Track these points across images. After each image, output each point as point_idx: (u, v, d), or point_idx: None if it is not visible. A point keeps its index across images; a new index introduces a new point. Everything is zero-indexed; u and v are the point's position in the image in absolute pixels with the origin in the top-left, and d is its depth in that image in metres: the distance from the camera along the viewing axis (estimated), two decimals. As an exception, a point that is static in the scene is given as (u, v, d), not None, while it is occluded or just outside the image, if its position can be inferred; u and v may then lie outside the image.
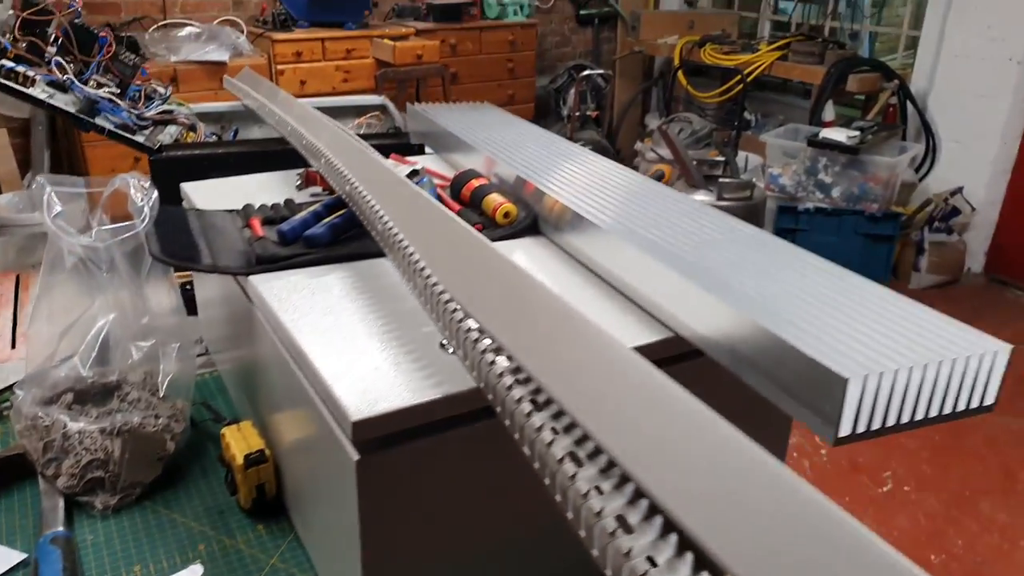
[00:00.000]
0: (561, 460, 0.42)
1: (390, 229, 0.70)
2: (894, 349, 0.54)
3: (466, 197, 0.91)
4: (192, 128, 1.30)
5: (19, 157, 2.89)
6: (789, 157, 3.42)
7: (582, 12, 4.72)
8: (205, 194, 0.99)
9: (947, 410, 0.55)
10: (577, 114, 4.27)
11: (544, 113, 4.48)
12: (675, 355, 0.68)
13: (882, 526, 2.09)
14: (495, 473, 0.61)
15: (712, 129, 3.81)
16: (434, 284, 0.60)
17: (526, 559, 0.69)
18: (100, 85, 1.24)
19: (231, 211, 0.89)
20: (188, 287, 1.14)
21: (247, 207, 0.89)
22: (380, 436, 0.56)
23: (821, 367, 0.51)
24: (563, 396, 0.44)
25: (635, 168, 3.87)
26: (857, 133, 3.24)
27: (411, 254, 0.65)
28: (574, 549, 0.40)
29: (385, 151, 1.20)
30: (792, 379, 0.54)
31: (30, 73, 1.20)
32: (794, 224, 3.16)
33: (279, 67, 3.37)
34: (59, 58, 1.21)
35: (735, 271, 0.67)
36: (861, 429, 0.52)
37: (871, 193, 3.26)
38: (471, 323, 0.55)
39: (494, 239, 0.85)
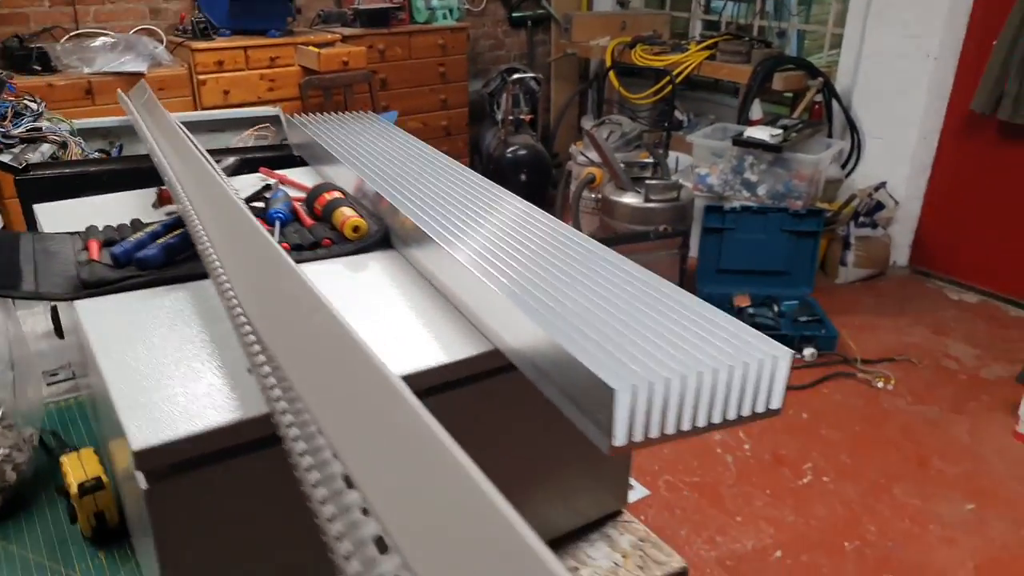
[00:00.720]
0: (315, 486, 0.42)
1: (208, 250, 0.69)
2: (675, 358, 0.55)
3: (318, 211, 0.90)
4: (64, 146, 1.27)
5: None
6: (716, 157, 3.47)
7: (514, 15, 4.73)
8: (58, 216, 0.97)
9: (731, 416, 0.56)
10: (511, 118, 4.28)
11: (479, 117, 4.48)
12: (496, 368, 0.68)
13: (800, 516, 2.14)
14: (289, 497, 0.61)
15: (643, 131, 3.84)
16: (236, 307, 0.59)
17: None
18: (-37, 104, 1.20)
19: (73, 233, 0.87)
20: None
21: (90, 229, 0.88)
22: (170, 464, 0.56)
23: (595, 378, 0.52)
24: (326, 427, 0.44)
25: (568, 172, 3.90)
26: (780, 131, 3.30)
27: (221, 276, 0.64)
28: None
29: (264, 163, 1.19)
30: (576, 391, 0.55)
31: None
32: (720, 223, 3.21)
33: (201, 77, 3.32)
34: (-83, 77, 1.17)
35: (553, 282, 0.68)
36: (638, 438, 0.52)
37: (796, 190, 3.32)
38: (258, 348, 0.54)
39: (343, 253, 0.85)
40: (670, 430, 0.53)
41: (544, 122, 4.69)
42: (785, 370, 0.57)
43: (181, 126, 1.06)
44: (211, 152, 1.18)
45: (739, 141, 3.29)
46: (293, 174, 1.13)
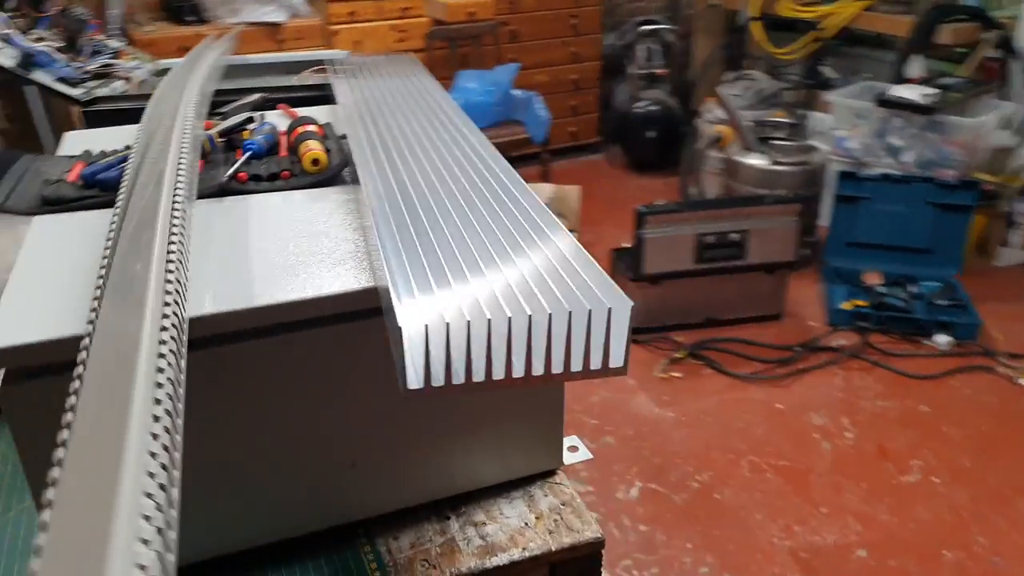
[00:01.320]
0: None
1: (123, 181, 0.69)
2: (495, 302, 0.48)
3: (292, 143, 0.89)
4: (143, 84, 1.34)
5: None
6: (859, 118, 3.16)
7: (659, -36, 4.50)
8: (82, 142, 1.02)
9: (556, 369, 0.48)
10: (643, 72, 4.11)
11: (613, 72, 4.34)
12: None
13: (896, 516, 1.94)
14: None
15: (783, 88, 3.57)
16: (107, 243, 0.60)
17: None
18: (44, 40, 1.29)
19: (72, 157, 0.91)
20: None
21: (85, 152, 0.91)
22: (27, 367, 0.57)
23: (393, 313, 0.47)
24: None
25: (697, 130, 3.69)
26: (936, 92, 2.94)
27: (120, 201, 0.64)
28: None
29: (290, 102, 1.20)
30: (390, 326, 0.50)
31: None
32: (856, 191, 2.93)
33: (333, 27, 3.42)
34: (2, 13, 1.27)
35: (434, 223, 0.62)
36: (438, 383, 0.47)
37: (949, 158, 2.96)
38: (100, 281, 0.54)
39: (300, 186, 0.83)
40: (478, 377, 0.47)
41: (684, 77, 4.46)
42: (624, 324, 0.48)
43: (202, 69, 1.07)
44: (242, 90, 1.21)
45: (885, 101, 2.97)
46: (312, 111, 1.12)
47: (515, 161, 3.34)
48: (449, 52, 3.59)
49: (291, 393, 0.65)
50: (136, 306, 0.43)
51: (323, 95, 1.26)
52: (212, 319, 0.58)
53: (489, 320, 0.45)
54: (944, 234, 2.89)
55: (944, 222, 2.88)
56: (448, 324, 0.45)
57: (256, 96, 1.12)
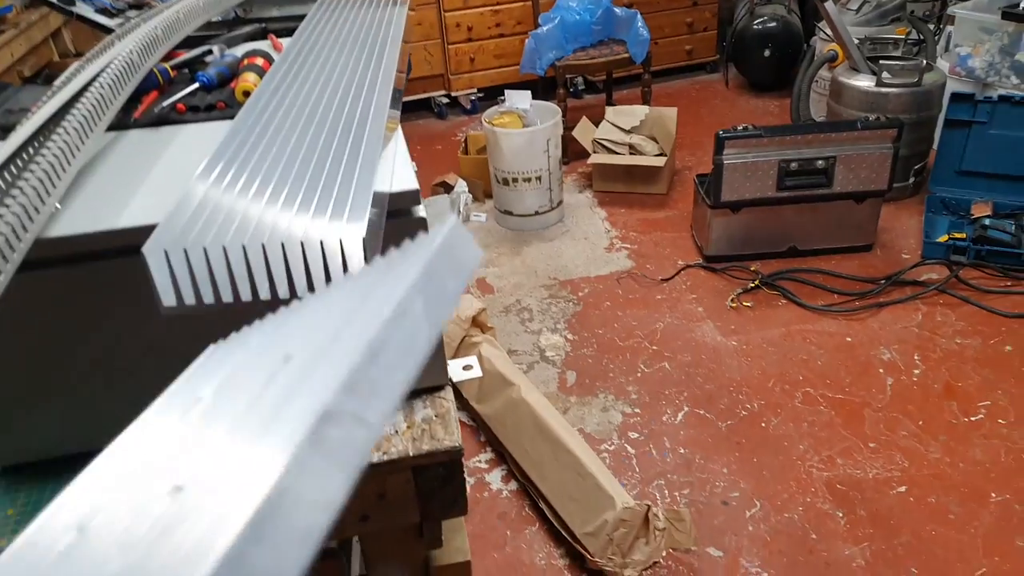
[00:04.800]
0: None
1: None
2: (241, 228, 0.55)
3: (238, 75, 0.99)
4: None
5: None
6: (984, 33, 2.88)
7: None
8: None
9: (282, 293, 0.55)
10: (759, -15, 3.91)
11: (732, -13, 4.14)
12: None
13: (948, 455, 1.91)
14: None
15: (905, 1, 3.30)
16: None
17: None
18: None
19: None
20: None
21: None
22: None
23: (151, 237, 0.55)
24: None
25: (812, 50, 3.49)
26: (1075, 0, 2.64)
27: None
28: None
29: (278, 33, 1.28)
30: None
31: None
32: (970, 115, 2.71)
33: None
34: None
35: (265, 153, 0.70)
36: (189, 301, 0.55)
37: (1086, 76, 2.67)
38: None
39: (230, 117, 0.92)
40: (226, 299, 0.55)
41: (808, -10, 4.19)
42: (356, 253, 0.54)
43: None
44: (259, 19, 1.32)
45: (1011, 13, 2.70)
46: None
47: (616, 82, 3.43)
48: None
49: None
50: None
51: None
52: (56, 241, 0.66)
53: (244, 246, 0.55)
54: (1070, 162, 2.64)
55: (1071, 148, 2.63)
56: (186, 251, 0.54)
57: (254, 27, 1.24)
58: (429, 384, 0.79)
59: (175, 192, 0.62)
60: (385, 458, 0.72)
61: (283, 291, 0.55)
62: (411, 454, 0.72)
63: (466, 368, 0.83)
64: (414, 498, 0.79)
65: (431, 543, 0.91)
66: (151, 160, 0.82)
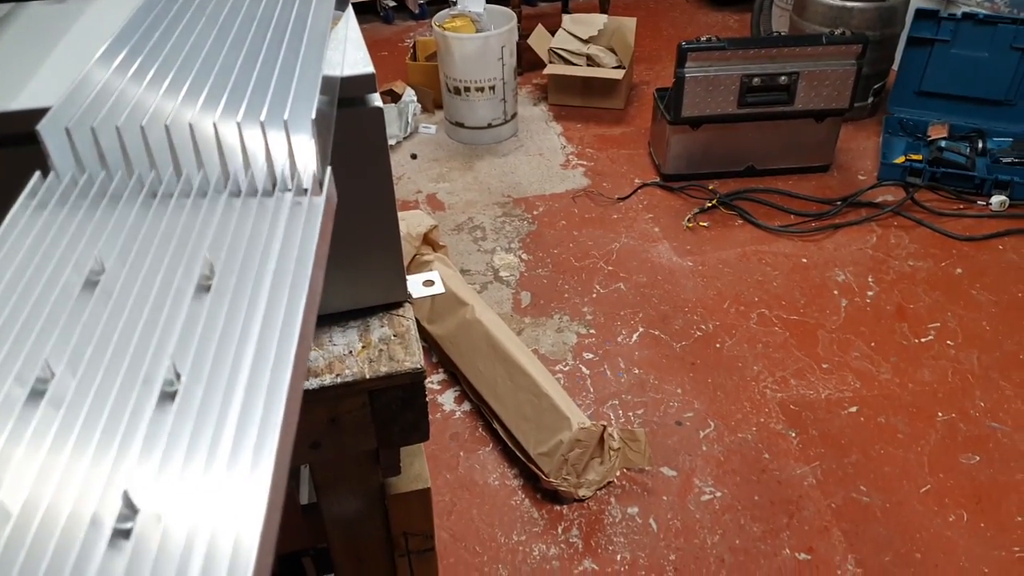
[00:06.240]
0: None
1: None
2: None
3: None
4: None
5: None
6: (952, -54, 2.81)
7: None
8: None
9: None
10: None
11: None
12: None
13: (898, 376, 1.92)
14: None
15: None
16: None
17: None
18: None
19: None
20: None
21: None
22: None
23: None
24: None
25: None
26: (1046, -85, 2.57)
27: None
28: None
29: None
30: None
31: None
32: (932, 33, 2.66)
33: None
34: None
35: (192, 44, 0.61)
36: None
37: (1050, -4, 2.63)
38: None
39: None
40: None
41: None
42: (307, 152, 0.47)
43: None
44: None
45: (981, -73, 2.62)
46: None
47: None
48: None
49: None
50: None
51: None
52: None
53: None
54: (1028, 84, 2.63)
55: (1030, 70, 2.61)
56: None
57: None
58: (386, 300, 0.71)
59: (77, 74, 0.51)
60: (339, 380, 0.64)
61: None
62: (367, 376, 0.65)
63: (427, 284, 0.75)
64: (370, 423, 0.72)
65: (388, 470, 0.84)
66: (53, 38, 0.70)
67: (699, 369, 1.97)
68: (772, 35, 3.09)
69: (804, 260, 2.31)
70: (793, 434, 1.79)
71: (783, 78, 2.47)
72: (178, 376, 0.37)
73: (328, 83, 0.52)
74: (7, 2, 0.76)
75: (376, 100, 0.63)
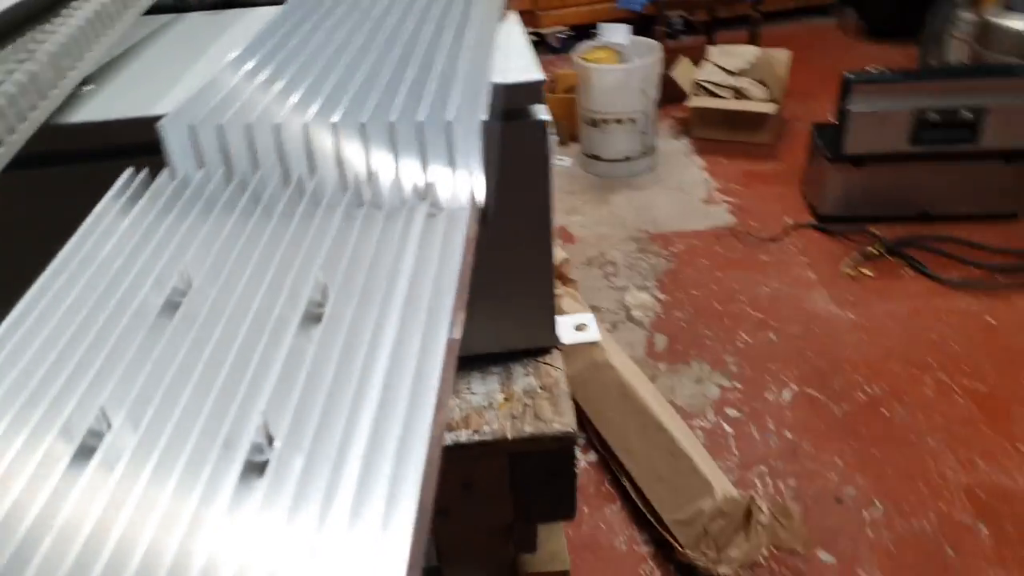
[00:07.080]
0: None
1: None
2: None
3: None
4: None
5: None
6: None
7: None
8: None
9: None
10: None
11: (857, -82, 3.69)
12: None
13: None
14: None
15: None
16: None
17: None
18: None
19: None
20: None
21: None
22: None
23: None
24: None
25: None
26: None
27: None
28: None
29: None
30: None
31: None
32: None
33: None
34: None
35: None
36: None
37: None
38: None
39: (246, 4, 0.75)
40: None
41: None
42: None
43: None
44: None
45: None
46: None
47: (721, 23, 3.04)
48: None
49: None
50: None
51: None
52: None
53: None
54: None
55: None
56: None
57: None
58: (531, 344, 0.56)
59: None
60: (476, 438, 0.49)
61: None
62: (508, 436, 0.49)
63: (580, 328, 0.59)
64: (508, 493, 0.56)
65: (523, 546, 0.68)
66: (202, 46, 0.62)
67: (863, 439, 1.70)
68: (950, 66, 2.79)
69: (990, 320, 1.99)
70: (984, 528, 1.50)
71: (966, 113, 2.18)
72: (270, 440, 0.26)
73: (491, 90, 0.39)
74: (169, 12, 0.75)
75: (543, 112, 0.49)
